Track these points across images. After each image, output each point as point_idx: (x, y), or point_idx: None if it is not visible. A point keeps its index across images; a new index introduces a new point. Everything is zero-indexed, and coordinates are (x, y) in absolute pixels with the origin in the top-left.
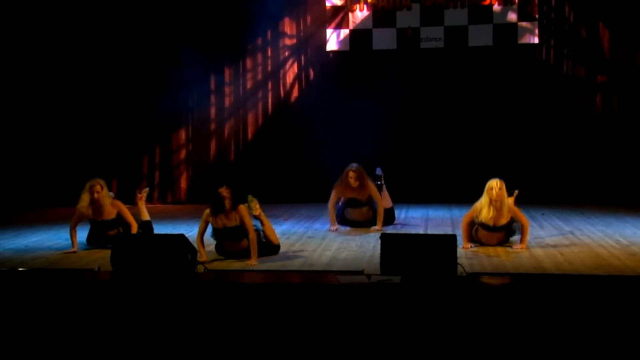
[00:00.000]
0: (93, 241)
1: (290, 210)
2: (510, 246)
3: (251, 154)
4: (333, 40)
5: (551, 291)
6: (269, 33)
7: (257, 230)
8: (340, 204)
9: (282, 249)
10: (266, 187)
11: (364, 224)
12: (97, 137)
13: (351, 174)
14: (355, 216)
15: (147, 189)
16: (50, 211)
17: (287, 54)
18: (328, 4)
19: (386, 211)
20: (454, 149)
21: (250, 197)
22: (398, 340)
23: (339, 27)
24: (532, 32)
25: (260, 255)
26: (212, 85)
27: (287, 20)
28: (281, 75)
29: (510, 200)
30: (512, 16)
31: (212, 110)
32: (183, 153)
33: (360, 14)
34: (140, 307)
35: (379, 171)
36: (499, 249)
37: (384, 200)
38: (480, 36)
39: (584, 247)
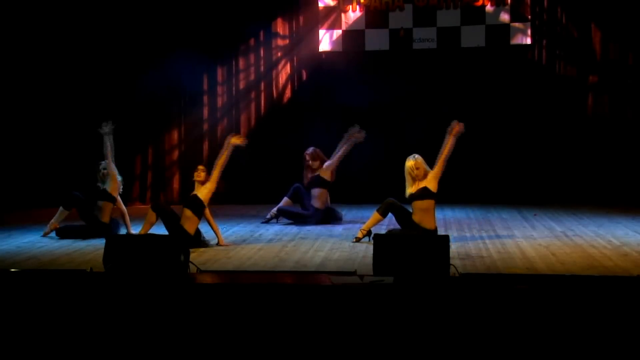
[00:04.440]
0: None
1: None
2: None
3: (243, 155)
4: (326, 40)
5: (543, 292)
6: (261, 33)
7: None
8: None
9: (275, 249)
10: (259, 187)
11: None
12: (89, 137)
13: None
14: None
15: None
16: (43, 212)
17: (279, 54)
18: (321, 5)
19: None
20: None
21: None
22: (391, 340)
23: (331, 27)
24: (524, 33)
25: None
26: (205, 86)
27: (279, 21)
28: (274, 75)
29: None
30: (505, 17)
31: (205, 111)
32: (176, 154)
33: (352, 15)
34: (132, 308)
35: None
36: (491, 249)
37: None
38: (472, 37)
39: (576, 247)
